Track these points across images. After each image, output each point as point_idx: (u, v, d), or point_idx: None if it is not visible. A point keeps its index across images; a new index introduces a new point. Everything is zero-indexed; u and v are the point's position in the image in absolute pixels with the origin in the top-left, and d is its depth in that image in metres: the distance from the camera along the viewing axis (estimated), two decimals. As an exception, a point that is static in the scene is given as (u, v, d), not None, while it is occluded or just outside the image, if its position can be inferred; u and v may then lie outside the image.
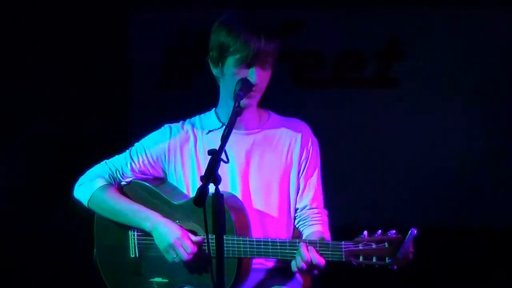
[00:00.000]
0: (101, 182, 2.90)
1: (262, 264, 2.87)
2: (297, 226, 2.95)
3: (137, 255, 2.89)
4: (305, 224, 2.92)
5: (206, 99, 2.99)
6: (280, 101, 2.98)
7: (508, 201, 5.08)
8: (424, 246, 2.58)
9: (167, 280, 2.86)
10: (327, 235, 2.89)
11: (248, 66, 2.74)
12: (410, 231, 2.49)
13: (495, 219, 5.08)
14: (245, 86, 2.73)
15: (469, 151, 5.14)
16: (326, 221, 2.95)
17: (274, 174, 2.89)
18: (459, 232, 5.01)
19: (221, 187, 2.39)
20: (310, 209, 2.92)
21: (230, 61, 2.76)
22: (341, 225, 2.95)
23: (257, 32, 2.72)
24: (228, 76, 2.79)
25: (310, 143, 2.93)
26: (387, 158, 5.19)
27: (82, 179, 2.95)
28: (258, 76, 2.74)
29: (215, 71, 2.85)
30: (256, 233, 2.82)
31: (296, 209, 2.94)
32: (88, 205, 2.92)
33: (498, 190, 5.12)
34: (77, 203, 2.96)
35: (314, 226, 2.90)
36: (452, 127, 5.17)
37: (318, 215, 2.92)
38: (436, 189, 5.12)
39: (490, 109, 5.16)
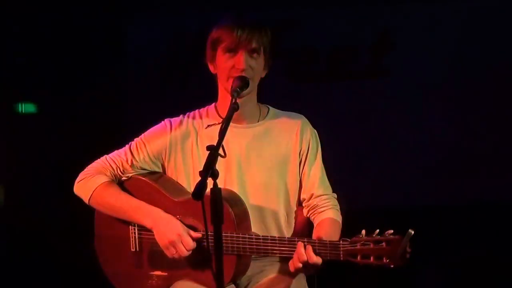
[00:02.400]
0: (102, 179, 2.89)
1: None
2: (308, 215, 2.96)
3: (138, 249, 2.90)
4: (315, 212, 2.93)
5: (203, 100, 3.02)
6: (277, 97, 3.01)
7: (497, 178, 5.19)
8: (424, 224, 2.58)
9: (167, 273, 2.87)
10: (338, 219, 2.91)
11: (235, 52, 2.80)
12: (407, 232, 2.49)
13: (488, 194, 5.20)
14: (241, 83, 2.77)
15: (459, 137, 5.20)
16: (336, 205, 2.96)
17: (274, 166, 2.90)
18: (453, 210, 5.12)
19: (222, 180, 2.40)
20: (317, 196, 2.93)
21: (220, 51, 2.83)
22: (342, 214, 2.97)
23: (242, 22, 2.81)
24: (221, 67, 2.84)
25: (309, 134, 2.96)
26: (382, 146, 5.24)
27: (82, 175, 2.93)
28: (245, 61, 2.79)
29: (211, 67, 2.91)
30: (257, 226, 2.84)
31: (302, 200, 2.96)
32: (89, 202, 2.91)
33: (487, 170, 5.21)
34: (77, 199, 2.95)
35: (324, 212, 2.91)
36: (442, 116, 5.23)
37: (327, 200, 2.94)
38: (428, 172, 5.19)
39: (479, 98, 5.20)
